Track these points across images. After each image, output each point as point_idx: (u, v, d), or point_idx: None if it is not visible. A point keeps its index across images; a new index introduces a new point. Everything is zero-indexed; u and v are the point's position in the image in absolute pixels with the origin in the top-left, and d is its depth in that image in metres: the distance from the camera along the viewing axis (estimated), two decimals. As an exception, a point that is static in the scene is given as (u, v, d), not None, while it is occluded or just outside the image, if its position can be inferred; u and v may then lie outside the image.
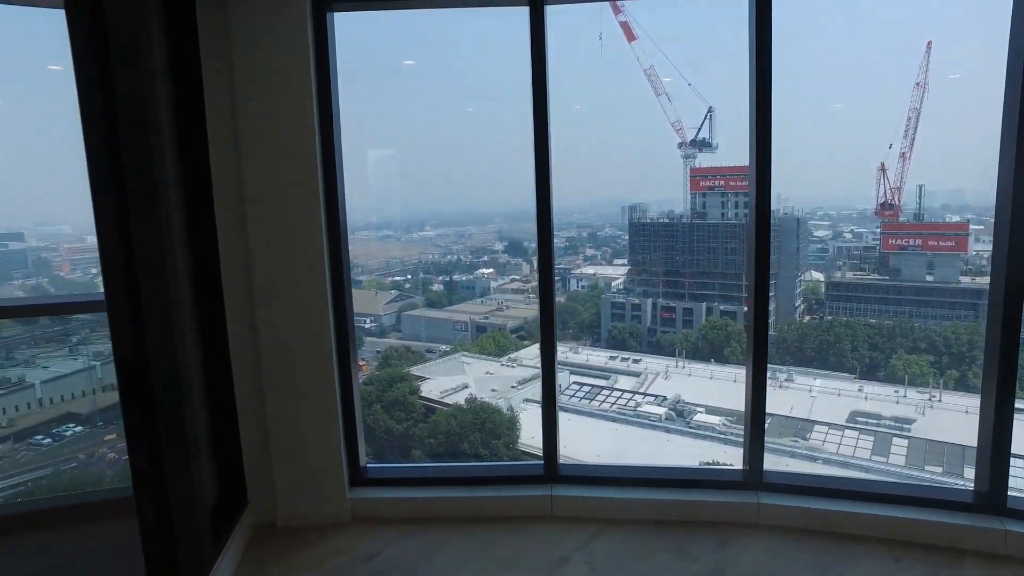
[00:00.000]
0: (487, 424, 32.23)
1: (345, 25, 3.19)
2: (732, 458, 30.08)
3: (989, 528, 2.99)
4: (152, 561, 2.46)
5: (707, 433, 29.29)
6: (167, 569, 2.49)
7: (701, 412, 30.84)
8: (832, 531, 3.18)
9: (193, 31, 2.85)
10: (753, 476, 3.42)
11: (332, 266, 3.20)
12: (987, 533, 2.98)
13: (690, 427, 29.84)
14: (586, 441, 31.13)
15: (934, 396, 33.21)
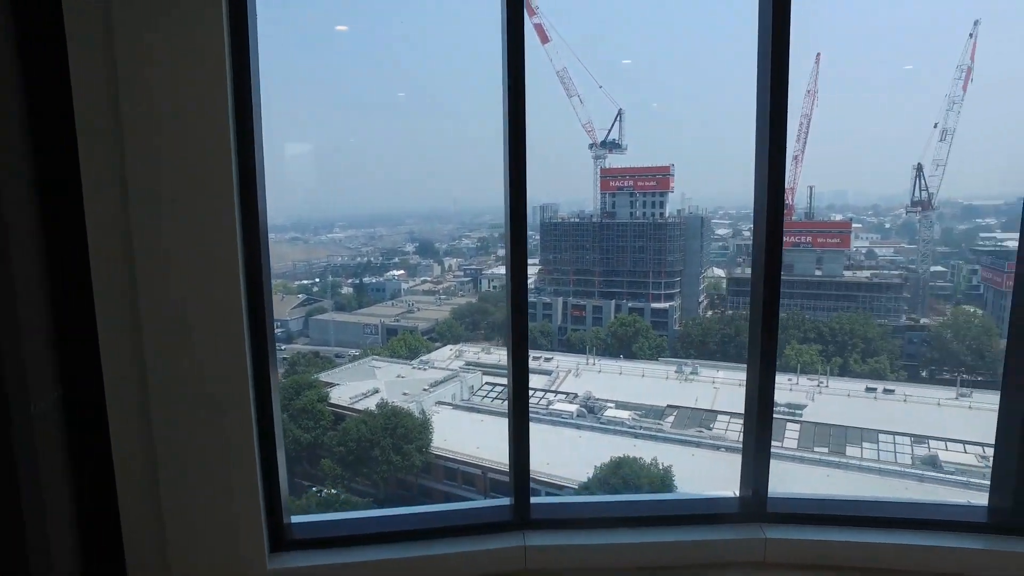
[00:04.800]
0: (399, 429, 31.92)
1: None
2: (642, 451, 30.88)
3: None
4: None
5: (618, 428, 30.15)
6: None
7: (611, 407, 31.75)
8: (859, 566, 2.81)
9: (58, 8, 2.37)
10: (754, 505, 2.96)
11: (249, 281, 2.51)
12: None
13: (601, 423, 30.63)
14: (500, 442, 31.20)
15: (822, 382, 35.67)
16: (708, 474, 29.51)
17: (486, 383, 41.58)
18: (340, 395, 34.78)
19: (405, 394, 37.14)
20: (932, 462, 27.04)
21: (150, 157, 2.34)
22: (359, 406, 33.92)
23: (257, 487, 2.58)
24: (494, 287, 63.83)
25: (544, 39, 68.37)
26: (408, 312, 56.71)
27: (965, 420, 30.44)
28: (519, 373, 2.85)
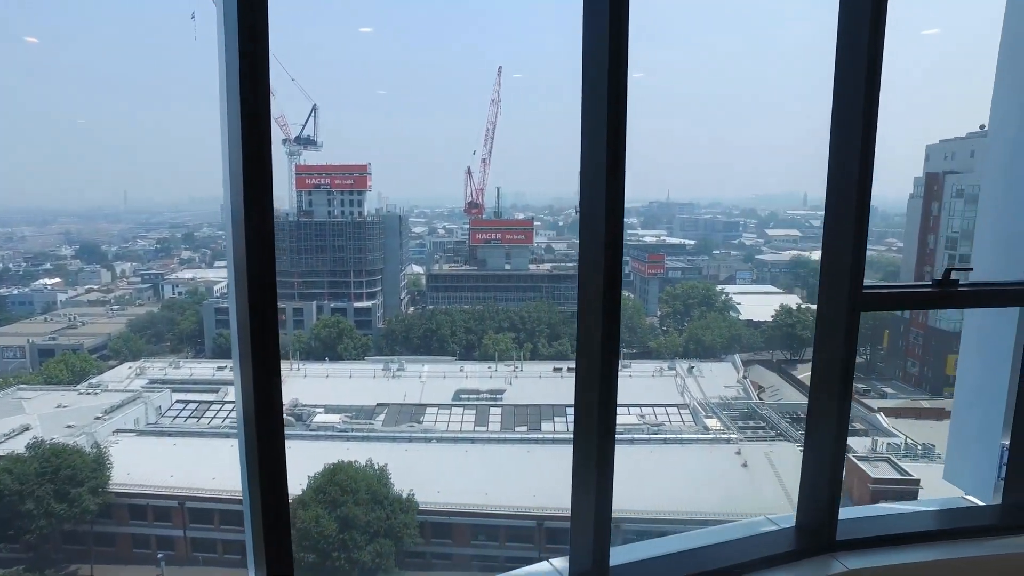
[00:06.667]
0: (63, 470, 27.18)
1: None
2: (356, 454, 30.74)
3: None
4: None
5: (328, 433, 29.56)
6: None
7: (320, 412, 31.00)
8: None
9: None
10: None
11: None
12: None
13: (311, 430, 29.73)
14: (198, 466, 28.54)
15: (517, 367, 39.32)
16: (421, 467, 30.53)
17: (177, 401, 37.13)
18: (-33, 440, 27.79)
19: (70, 427, 31.28)
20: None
21: None
22: (-1, 451, 27.43)
23: None
24: (180, 293, 57.48)
25: (228, 24, 63.35)
26: (69, 327, 48.03)
27: (626, 387, 36.32)
28: (264, 405, 1.97)
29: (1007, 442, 2.73)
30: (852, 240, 2.31)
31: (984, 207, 2.81)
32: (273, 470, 2.01)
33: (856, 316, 2.37)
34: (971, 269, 2.44)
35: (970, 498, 2.83)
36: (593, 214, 2.20)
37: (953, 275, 2.32)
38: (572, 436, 2.29)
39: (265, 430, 2.03)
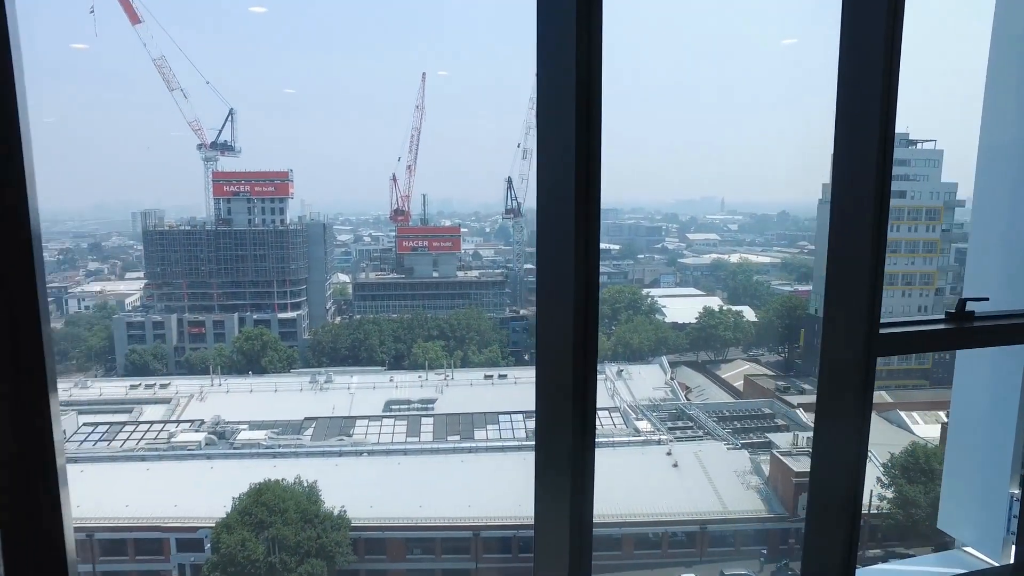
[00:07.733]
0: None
1: None
2: (283, 471, 29.53)
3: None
4: None
5: (253, 451, 28.26)
6: None
7: (245, 429, 29.65)
8: None
9: None
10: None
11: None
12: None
13: (235, 448, 28.36)
14: (110, 492, 26.71)
15: (448, 376, 38.86)
16: (353, 482, 29.60)
17: (84, 424, 34.55)
18: None
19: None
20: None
21: None
22: None
23: None
24: (87, 307, 53.74)
25: (134, 19, 59.72)
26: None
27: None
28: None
29: (1017, 491, 2.45)
30: (868, 279, 1.97)
31: (979, 233, 2.65)
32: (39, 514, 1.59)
33: (873, 362, 2.02)
34: (987, 299, 2.19)
35: (970, 550, 2.60)
36: (560, 177, 1.74)
37: (968, 306, 2.09)
38: (535, 445, 1.99)
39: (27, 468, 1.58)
